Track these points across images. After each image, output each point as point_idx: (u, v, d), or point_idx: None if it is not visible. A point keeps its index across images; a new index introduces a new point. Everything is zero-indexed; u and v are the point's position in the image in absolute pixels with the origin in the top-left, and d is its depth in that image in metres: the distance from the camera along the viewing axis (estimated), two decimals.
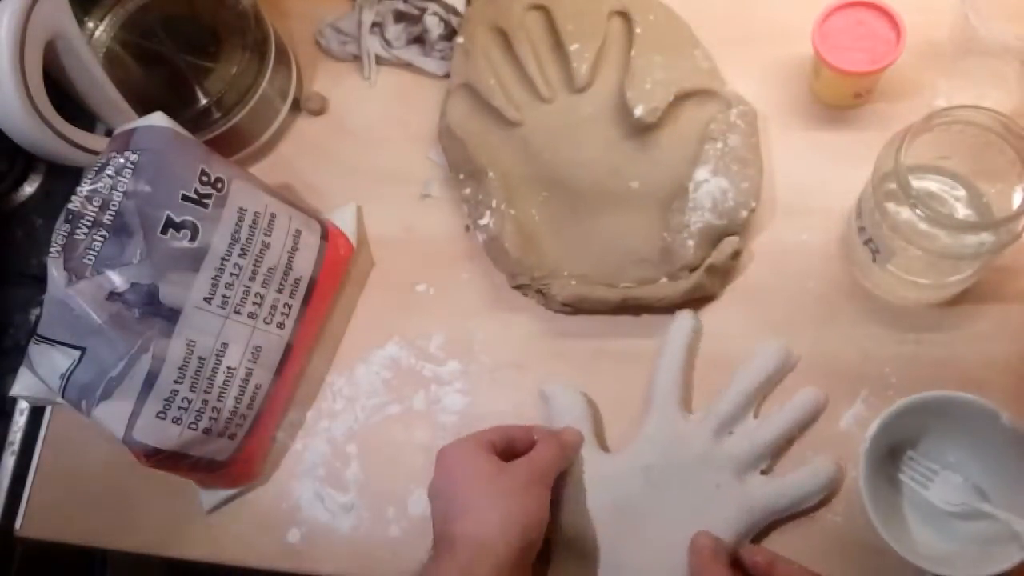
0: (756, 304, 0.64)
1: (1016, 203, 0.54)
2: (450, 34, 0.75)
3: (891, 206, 0.54)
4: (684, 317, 0.63)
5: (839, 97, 0.67)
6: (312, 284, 0.65)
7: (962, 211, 0.59)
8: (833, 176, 0.65)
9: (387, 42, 0.77)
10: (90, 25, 0.73)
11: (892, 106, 0.67)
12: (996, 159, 0.54)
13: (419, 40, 0.77)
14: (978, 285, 0.60)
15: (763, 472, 0.58)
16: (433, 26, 0.74)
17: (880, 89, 0.66)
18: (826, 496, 0.58)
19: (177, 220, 0.57)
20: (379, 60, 0.78)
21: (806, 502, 0.57)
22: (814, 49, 0.63)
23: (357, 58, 0.79)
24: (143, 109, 0.62)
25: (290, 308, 0.64)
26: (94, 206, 0.55)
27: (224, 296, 0.59)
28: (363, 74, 0.78)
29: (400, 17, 0.76)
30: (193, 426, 0.58)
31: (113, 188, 0.55)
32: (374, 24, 0.77)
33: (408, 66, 0.77)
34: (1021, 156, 0.53)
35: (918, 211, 0.52)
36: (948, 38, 0.63)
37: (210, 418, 0.59)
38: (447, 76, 0.75)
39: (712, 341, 0.64)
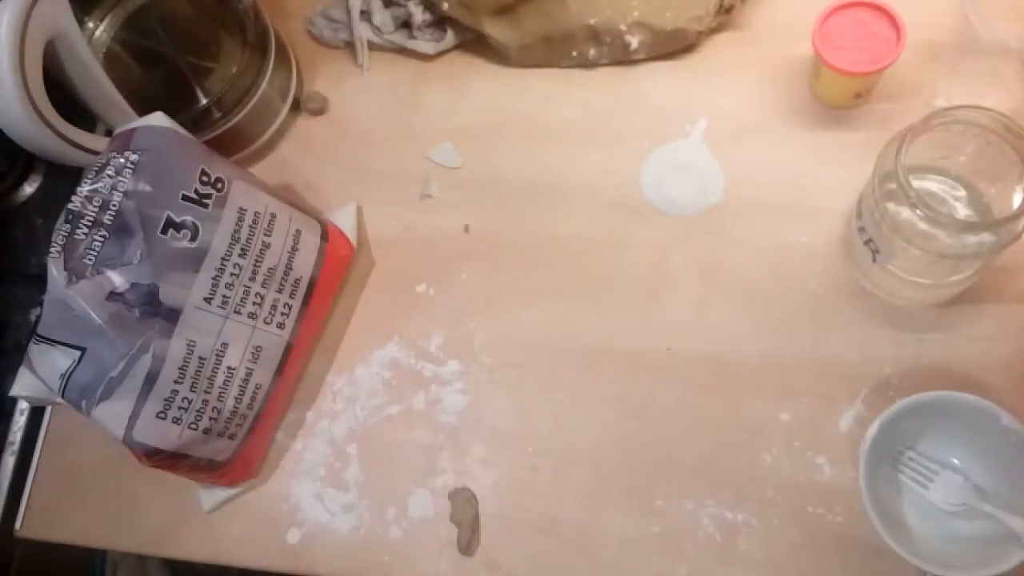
0: (756, 304, 0.64)
1: (1016, 203, 0.54)
2: (437, 20, 0.75)
3: (891, 206, 0.54)
4: None
5: (839, 97, 0.67)
6: (312, 284, 0.65)
7: (962, 211, 0.59)
8: (833, 176, 0.65)
9: (376, 28, 0.77)
10: (90, 25, 0.73)
11: (892, 106, 0.67)
12: (996, 159, 0.54)
13: (407, 24, 0.77)
14: (978, 285, 0.59)
15: None
16: (417, 13, 0.75)
17: (880, 89, 0.66)
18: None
19: (177, 220, 0.57)
20: (371, 46, 0.78)
21: None
22: (814, 49, 0.63)
23: (349, 44, 0.79)
24: (143, 109, 0.62)
25: (290, 308, 0.64)
26: (94, 206, 0.55)
27: (224, 296, 0.59)
28: (356, 60, 0.78)
29: (387, 3, 0.77)
30: (193, 426, 0.58)
31: (113, 188, 0.55)
32: (362, 12, 0.77)
33: (402, 50, 0.77)
34: (1021, 156, 0.53)
35: (918, 211, 0.52)
36: (948, 38, 0.63)
37: (210, 418, 0.59)
38: (440, 55, 0.76)
39: (712, 341, 0.64)
